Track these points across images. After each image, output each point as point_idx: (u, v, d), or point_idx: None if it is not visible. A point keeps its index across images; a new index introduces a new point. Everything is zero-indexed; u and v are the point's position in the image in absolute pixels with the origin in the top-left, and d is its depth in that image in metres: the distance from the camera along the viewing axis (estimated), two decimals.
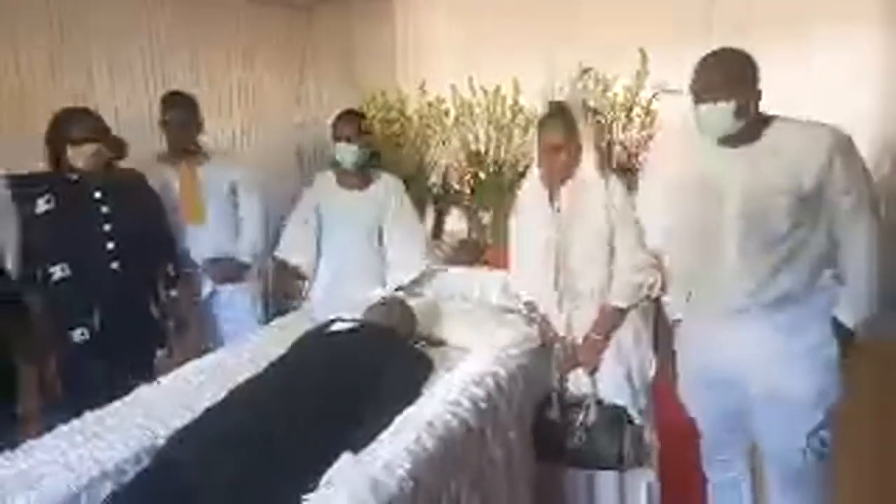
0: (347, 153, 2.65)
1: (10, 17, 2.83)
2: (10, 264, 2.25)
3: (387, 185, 2.77)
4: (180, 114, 2.74)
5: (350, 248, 2.72)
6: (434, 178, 3.47)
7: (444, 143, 3.36)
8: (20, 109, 2.80)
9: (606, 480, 2.27)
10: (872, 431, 2.75)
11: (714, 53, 1.77)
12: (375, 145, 2.75)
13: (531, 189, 2.28)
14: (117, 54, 3.42)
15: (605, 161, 2.13)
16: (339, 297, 2.57)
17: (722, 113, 1.72)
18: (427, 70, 3.78)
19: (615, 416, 2.14)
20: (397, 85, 3.66)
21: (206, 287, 2.83)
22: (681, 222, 1.98)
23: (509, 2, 3.78)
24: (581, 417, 2.14)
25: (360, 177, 2.74)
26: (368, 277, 2.70)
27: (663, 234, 2.10)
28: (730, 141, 1.80)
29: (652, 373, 2.24)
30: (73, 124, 2.29)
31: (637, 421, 2.16)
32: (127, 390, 1.96)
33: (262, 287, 3.01)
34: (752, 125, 1.76)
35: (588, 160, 2.11)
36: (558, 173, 2.14)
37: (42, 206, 2.27)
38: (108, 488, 1.54)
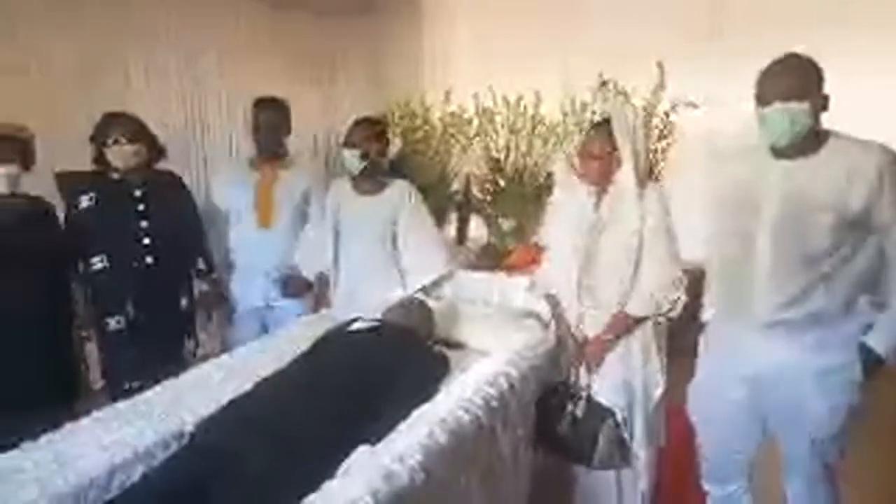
0: (351, 159, 2.68)
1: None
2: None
3: (400, 191, 2.77)
4: (271, 117, 2.86)
5: (365, 252, 2.76)
6: (456, 186, 3.55)
7: (465, 150, 3.44)
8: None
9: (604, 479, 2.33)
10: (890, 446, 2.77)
11: (781, 59, 1.76)
12: (386, 152, 2.76)
13: (568, 195, 2.36)
14: (154, 59, 3.58)
15: (644, 172, 2.19)
16: (357, 301, 2.64)
17: (798, 113, 1.70)
18: (452, 79, 3.89)
19: (601, 417, 2.20)
20: (422, 93, 3.75)
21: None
22: (721, 230, 1.98)
23: (528, 12, 3.88)
24: (570, 408, 2.22)
25: (373, 183, 2.76)
26: (385, 281, 2.72)
27: (694, 241, 2.13)
28: (789, 153, 1.78)
29: (659, 392, 2.28)
30: (113, 126, 2.45)
31: (621, 427, 2.22)
32: (158, 378, 2.08)
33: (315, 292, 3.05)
34: (810, 139, 1.75)
35: (625, 171, 2.16)
36: (597, 180, 2.21)
37: (85, 202, 2.45)
38: (139, 470, 1.64)
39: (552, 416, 2.24)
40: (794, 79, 1.71)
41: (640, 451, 2.28)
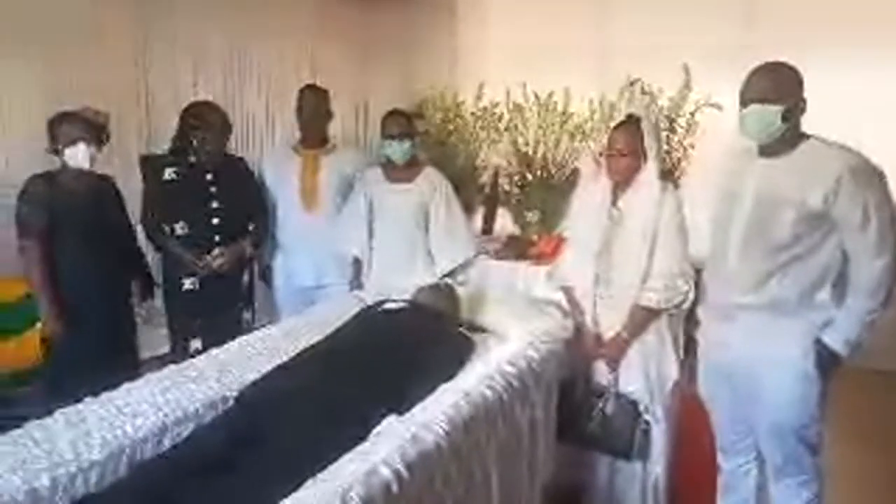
0: (398, 150, 2.85)
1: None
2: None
3: (430, 178, 2.94)
4: (314, 102, 3.05)
5: (397, 237, 2.92)
6: (485, 178, 3.67)
7: (495, 144, 3.55)
8: None
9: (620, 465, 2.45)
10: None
11: (765, 64, 1.92)
12: (418, 141, 2.93)
13: (592, 189, 2.47)
14: (200, 47, 3.76)
15: (664, 171, 2.30)
16: (388, 283, 2.77)
17: (770, 114, 1.85)
18: (484, 71, 3.99)
19: (631, 410, 2.33)
20: (455, 88, 3.86)
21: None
22: (713, 224, 2.14)
23: (562, 5, 3.96)
24: (600, 406, 2.34)
25: (405, 171, 2.92)
26: (416, 265, 2.90)
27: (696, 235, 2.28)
28: (768, 152, 1.94)
29: (673, 380, 2.40)
30: (203, 117, 2.75)
31: (648, 417, 2.34)
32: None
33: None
34: (790, 139, 1.89)
35: (649, 168, 2.28)
36: (621, 177, 2.32)
37: (169, 173, 2.74)
38: (189, 429, 1.79)
39: (582, 415, 2.36)
40: (770, 84, 1.86)
41: (658, 437, 2.40)
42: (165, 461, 1.66)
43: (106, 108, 2.71)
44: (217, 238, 2.79)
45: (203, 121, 2.74)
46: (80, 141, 2.44)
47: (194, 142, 2.75)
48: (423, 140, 2.95)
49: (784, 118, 1.85)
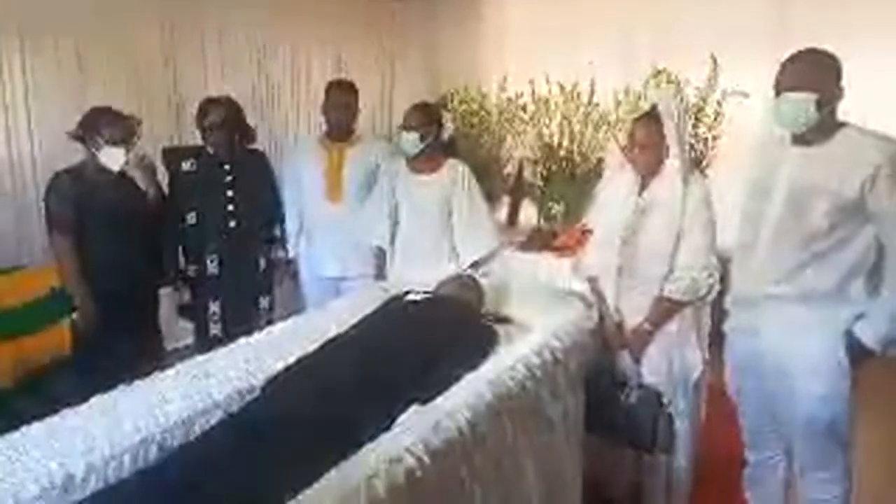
0: (406, 141, 2.85)
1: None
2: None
3: (454, 170, 2.92)
4: (340, 98, 3.10)
5: (420, 229, 2.93)
6: (509, 169, 3.66)
7: (519, 135, 3.54)
8: None
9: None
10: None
11: (801, 51, 1.86)
12: (441, 134, 2.92)
13: (617, 181, 2.45)
14: (230, 49, 3.81)
15: (689, 161, 2.27)
16: (411, 274, 2.77)
17: (804, 103, 1.79)
18: (509, 60, 3.97)
19: (653, 402, 2.31)
20: (479, 79, 3.84)
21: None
22: (743, 215, 2.10)
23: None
24: (623, 398, 2.32)
25: (429, 162, 2.91)
26: (439, 256, 2.90)
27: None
28: (802, 140, 1.88)
29: (697, 372, 2.38)
30: (209, 112, 2.86)
31: (671, 410, 2.32)
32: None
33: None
34: (826, 127, 1.84)
35: (673, 160, 2.25)
36: (645, 169, 2.30)
37: (186, 166, 2.88)
38: (217, 416, 1.83)
39: (605, 406, 2.34)
40: (805, 72, 1.81)
41: (681, 429, 2.38)
42: (194, 447, 1.69)
43: (137, 102, 2.79)
44: (232, 224, 2.90)
45: (208, 115, 2.83)
46: (121, 144, 2.51)
47: (203, 135, 2.86)
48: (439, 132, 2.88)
49: (820, 107, 1.79)
